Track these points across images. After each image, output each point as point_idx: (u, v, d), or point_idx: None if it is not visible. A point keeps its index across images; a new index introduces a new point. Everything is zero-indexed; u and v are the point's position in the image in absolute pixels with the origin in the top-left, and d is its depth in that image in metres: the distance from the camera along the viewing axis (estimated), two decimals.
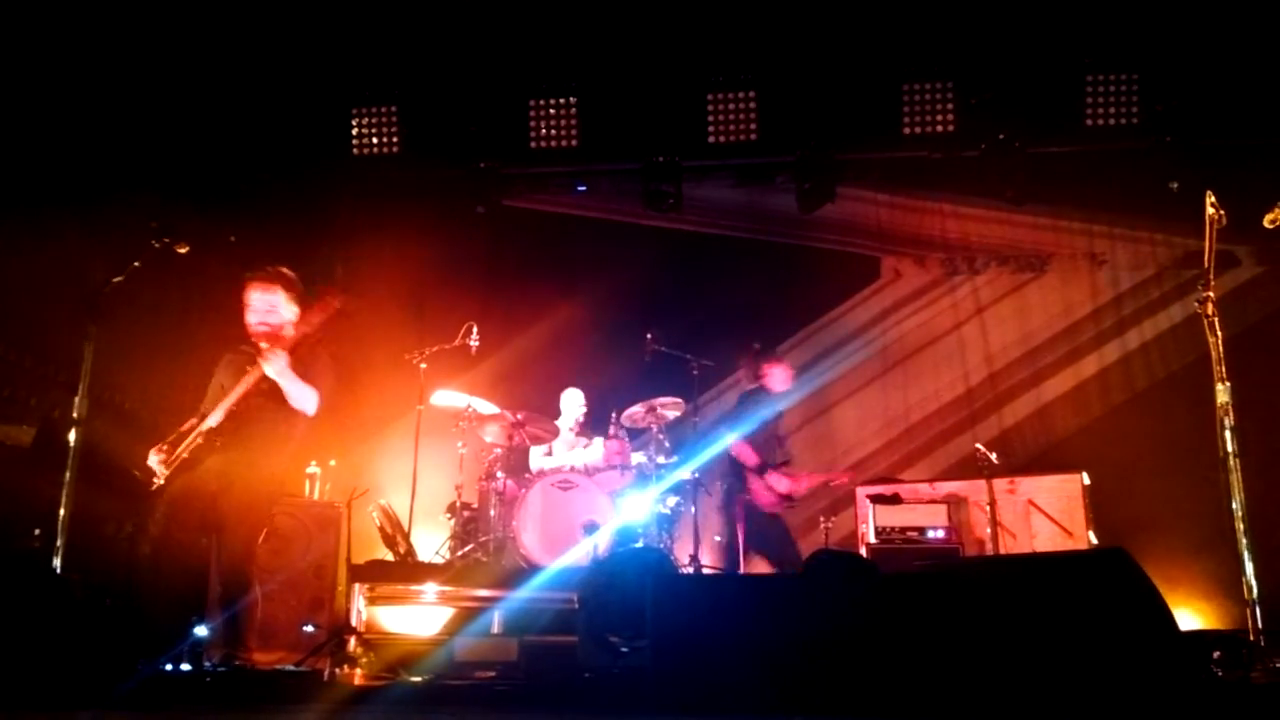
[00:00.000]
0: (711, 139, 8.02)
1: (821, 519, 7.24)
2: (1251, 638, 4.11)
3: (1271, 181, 4.85)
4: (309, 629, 5.55)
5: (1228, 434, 4.23)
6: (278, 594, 5.57)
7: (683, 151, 8.34)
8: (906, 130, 7.92)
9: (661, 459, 7.09)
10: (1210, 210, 4.45)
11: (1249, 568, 4.11)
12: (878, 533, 6.63)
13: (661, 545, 6.69)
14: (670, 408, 7.22)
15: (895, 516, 6.65)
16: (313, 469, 6.78)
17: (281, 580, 5.61)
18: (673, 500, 6.99)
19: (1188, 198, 4.83)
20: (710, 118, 7.99)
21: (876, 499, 6.74)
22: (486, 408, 7.05)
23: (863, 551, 6.60)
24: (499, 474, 6.89)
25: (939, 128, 7.88)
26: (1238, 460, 4.19)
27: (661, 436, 7.17)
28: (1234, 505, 4.17)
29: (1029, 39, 7.59)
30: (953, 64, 7.83)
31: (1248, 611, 4.14)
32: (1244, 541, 4.13)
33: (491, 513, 6.71)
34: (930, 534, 6.55)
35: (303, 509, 5.95)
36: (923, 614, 3.49)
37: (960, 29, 7.56)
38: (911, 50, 7.77)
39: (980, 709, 3.21)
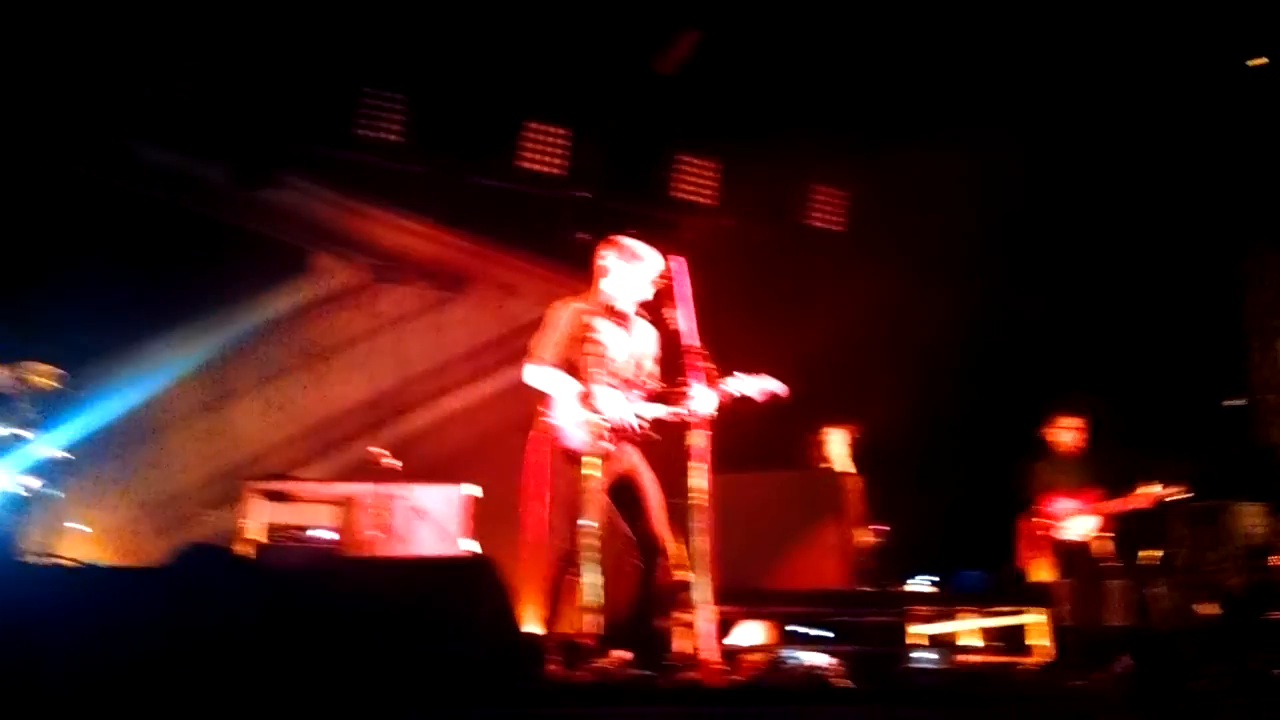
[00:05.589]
0: None
1: (205, 512, 6.89)
2: (586, 640, 4.62)
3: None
4: None
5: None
6: None
7: None
8: (358, 131, 7.93)
9: (26, 431, 6.25)
10: (600, 263, 5.03)
11: (596, 578, 4.60)
12: (264, 529, 6.46)
13: (8, 529, 5.89)
14: (45, 375, 6.40)
15: (284, 514, 6.54)
16: None
17: None
18: (34, 480, 6.19)
19: (592, 250, 5.41)
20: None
21: (267, 494, 6.59)
22: None
23: (246, 548, 6.39)
24: None
25: (389, 136, 7.99)
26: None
27: (28, 406, 6.32)
28: (590, 523, 4.65)
29: (480, 68, 8.01)
30: (408, 79, 7.99)
31: (587, 617, 4.64)
32: (594, 556, 4.64)
33: None
34: (318, 533, 6.54)
35: None
36: (299, 613, 3.47)
37: (417, 47, 7.76)
38: (368, 55, 7.81)
39: (344, 706, 3.26)
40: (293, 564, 6.06)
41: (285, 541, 6.47)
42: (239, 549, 6.32)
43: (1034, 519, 7.19)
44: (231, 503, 7.07)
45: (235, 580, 3.87)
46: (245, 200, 8.22)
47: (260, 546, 6.42)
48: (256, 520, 6.48)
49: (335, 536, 6.56)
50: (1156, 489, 7.02)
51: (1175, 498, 7.17)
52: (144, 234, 7.85)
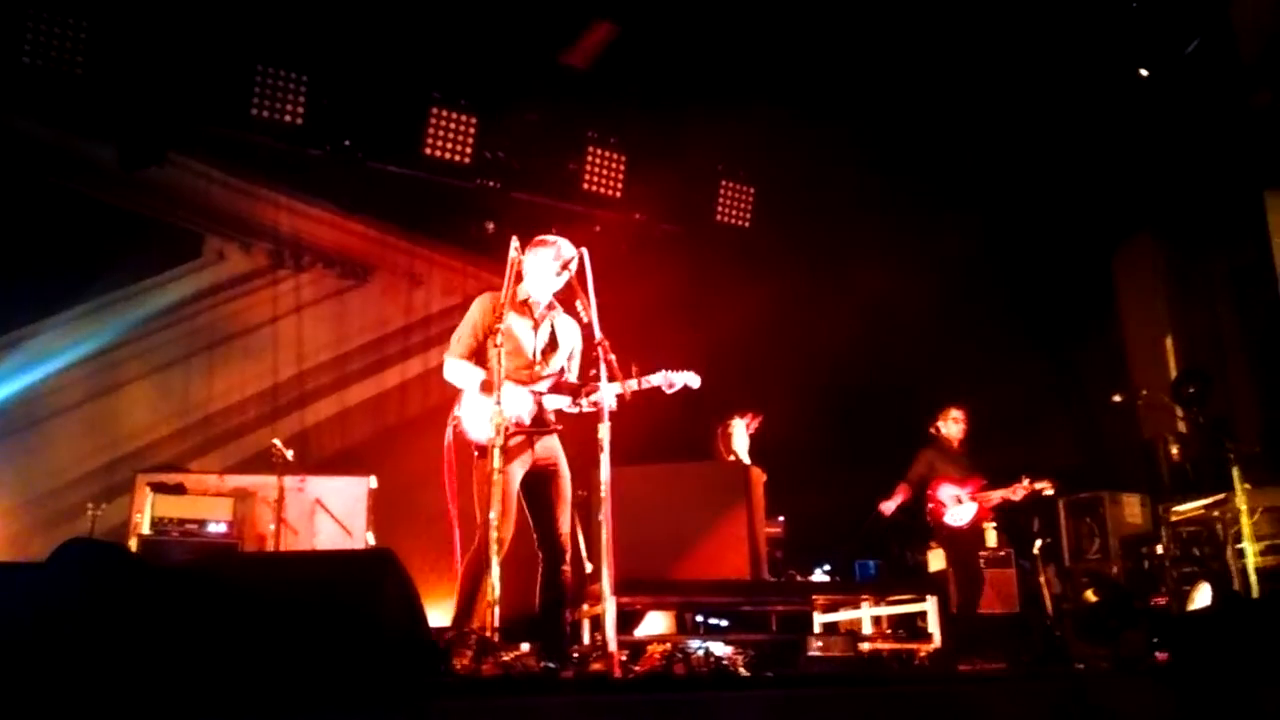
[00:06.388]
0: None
1: (90, 505, 6.61)
2: (489, 634, 4.60)
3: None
4: None
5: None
6: None
7: None
8: (255, 112, 7.69)
9: None
10: (513, 254, 4.97)
11: (496, 571, 4.60)
12: (154, 523, 6.26)
13: None
14: None
15: (176, 507, 6.35)
16: None
17: None
18: None
19: (500, 239, 5.35)
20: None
21: (157, 487, 6.37)
22: None
23: (133, 543, 6.18)
24: None
25: (288, 118, 7.74)
26: None
27: None
28: (491, 516, 4.63)
29: (384, 54, 7.84)
30: (310, 57, 7.77)
31: (489, 610, 4.62)
32: (495, 549, 4.62)
33: None
34: (211, 527, 6.37)
35: None
36: (186, 613, 3.34)
37: (320, 25, 7.56)
38: (270, 32, 7.58)
39: (233, 708, 3.16)
40: (182, 559, 5.87)
41: (174, 535, 6.28)
42: (130, 544, 6.10)
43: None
44: (121, 496, 6.82)
45: (118, 577, 3.71)
46: (136, 181, 7.89)
47: (145, 540, 6.21)
48: (148, 514, 6.25)
49: (225, 529, 6.39)
50: (1025, 483, 7.39)
51: (1045, 492, 7.57)
52: (29, 216, 7.49)
